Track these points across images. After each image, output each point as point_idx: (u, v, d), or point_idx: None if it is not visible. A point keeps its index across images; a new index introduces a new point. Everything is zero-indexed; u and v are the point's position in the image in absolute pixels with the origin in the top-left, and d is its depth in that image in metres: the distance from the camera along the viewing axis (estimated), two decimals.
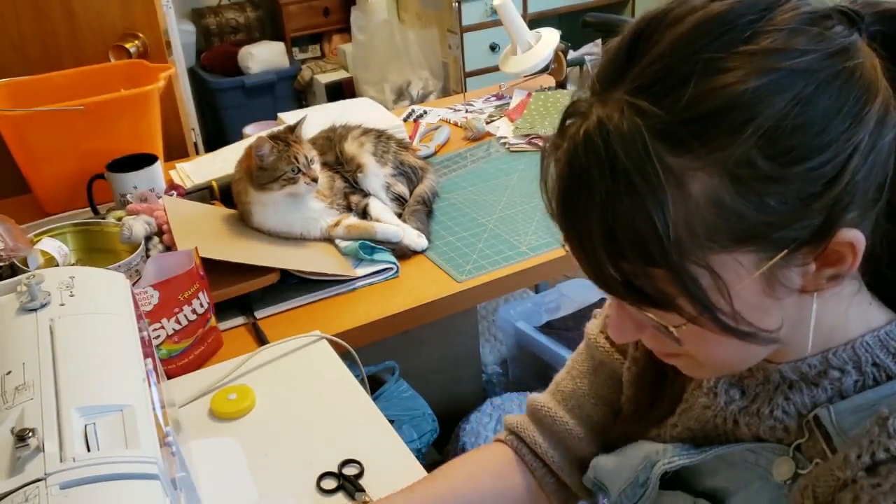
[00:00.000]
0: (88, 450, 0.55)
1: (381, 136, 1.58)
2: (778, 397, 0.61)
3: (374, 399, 1.11)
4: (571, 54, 2.10)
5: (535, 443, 0.83)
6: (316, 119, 1.55)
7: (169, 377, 1.12)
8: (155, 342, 1.09)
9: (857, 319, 0.59)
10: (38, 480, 0.52)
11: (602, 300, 0.80)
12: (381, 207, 1.48)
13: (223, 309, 1.26)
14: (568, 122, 0.54)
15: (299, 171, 1.34)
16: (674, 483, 0.69)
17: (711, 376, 0.67)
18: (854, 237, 0.52)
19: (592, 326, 0.85)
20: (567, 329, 1.86)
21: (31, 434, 0.54)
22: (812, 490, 0.57)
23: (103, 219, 1.45)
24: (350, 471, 0.93)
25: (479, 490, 0.82)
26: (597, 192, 0.50)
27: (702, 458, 0.66)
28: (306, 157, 1.35)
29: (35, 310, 0.68)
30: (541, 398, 0.85)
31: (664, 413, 0.73)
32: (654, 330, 0.59)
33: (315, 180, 1.35)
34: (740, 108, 0.48)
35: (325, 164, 1.46)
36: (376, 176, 1.51)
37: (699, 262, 0.51)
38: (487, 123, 1.94)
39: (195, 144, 2.38)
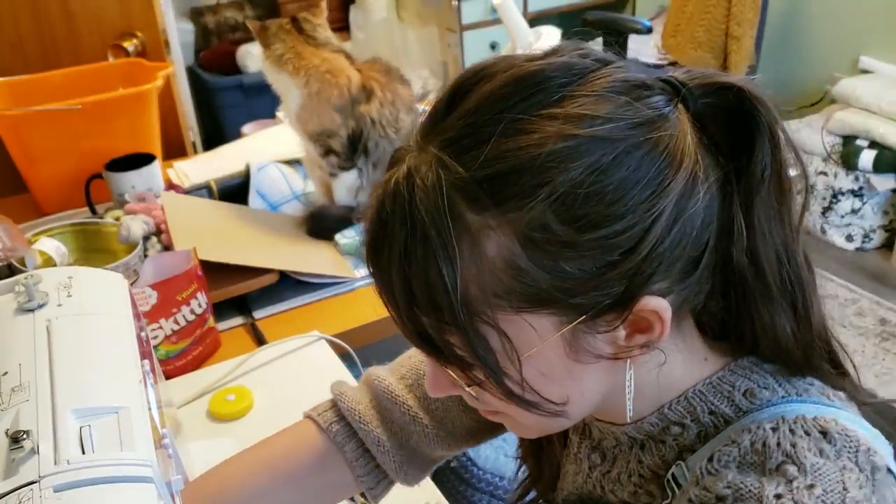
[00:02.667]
0: (83, 452, 0.55)
1: None
2: (632, 461, 0.61)
3: None
4: None
5: (377, 441, 0.75)
6: None
7: (167, 378, 1.12)
8: (153, 342, 1.09)
9: (688, 375, 0.58)
10: (32, 483, 0.51)
11: None
12: None
13: (221, 309, 1.26)
14: (391, 170, 0.54)
15: None
16: None
17: (535, 435, 0.66)
18: (658, 306, 0.50)
19: None
20: None
21: (25, 436, 0.54)
22: None
23: (101, 218, 1.45)
24: None
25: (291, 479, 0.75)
26: (396, 242, 0.50)
27: None
28: None
29: (32, 310, 0.68)
30: (400, 396, 0.77)
31: (550, 478, 0.73)
32: None
33: None
34: (533, 171, 0.48)
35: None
36: None
37: (489, 322, 0.50)
38: None
39: (193, 144, 2.37)
